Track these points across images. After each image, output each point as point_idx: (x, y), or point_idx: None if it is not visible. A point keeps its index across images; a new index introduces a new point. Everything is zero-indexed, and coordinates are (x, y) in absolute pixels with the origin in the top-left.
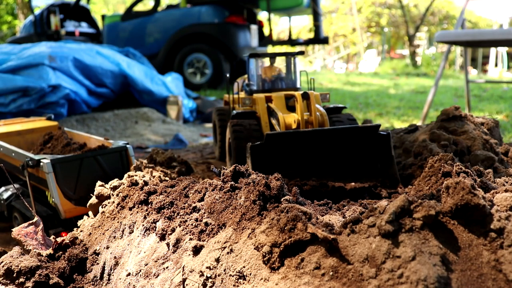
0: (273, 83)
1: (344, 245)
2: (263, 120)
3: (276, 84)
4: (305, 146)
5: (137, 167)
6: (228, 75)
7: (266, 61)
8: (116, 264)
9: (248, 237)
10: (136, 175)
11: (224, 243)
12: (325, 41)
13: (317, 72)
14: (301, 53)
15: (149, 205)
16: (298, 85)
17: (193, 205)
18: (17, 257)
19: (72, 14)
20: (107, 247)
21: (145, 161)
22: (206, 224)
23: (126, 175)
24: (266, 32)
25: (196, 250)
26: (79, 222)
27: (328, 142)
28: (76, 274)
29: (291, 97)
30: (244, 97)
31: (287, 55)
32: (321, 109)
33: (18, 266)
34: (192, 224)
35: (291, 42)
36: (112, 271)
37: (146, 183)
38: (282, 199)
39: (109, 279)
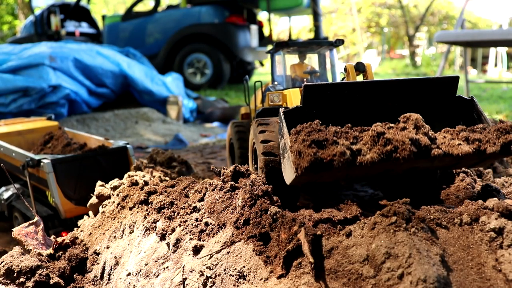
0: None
1: (344, 245)
2: None
3: None
4: (360, 106)
5: (137, 167)
6: (247, 77)
7: (293, 58)
8: (116, 264)
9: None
10: (136, 175)
11: (224, 243)
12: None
13: None
14: (341, 42)
15: (149, 205)
16: None
17: (193, 205)
18: (18, 257)
19: (73, 14)
20: (107, 247)
21: (145, 161)
22: (206, 224)
23: (126, 175)
24: (266, 32)
25: (196, 250)
26: (80, 222)
27: (393, 98)
28: (77, 274)
29: None
30: (273, 93)
31: (324, 44)
32: None
33: (18, 266)
34: (192, 224)
35: None
36: (112, 271)
37: (146, 183)
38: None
39: (109, 279)
